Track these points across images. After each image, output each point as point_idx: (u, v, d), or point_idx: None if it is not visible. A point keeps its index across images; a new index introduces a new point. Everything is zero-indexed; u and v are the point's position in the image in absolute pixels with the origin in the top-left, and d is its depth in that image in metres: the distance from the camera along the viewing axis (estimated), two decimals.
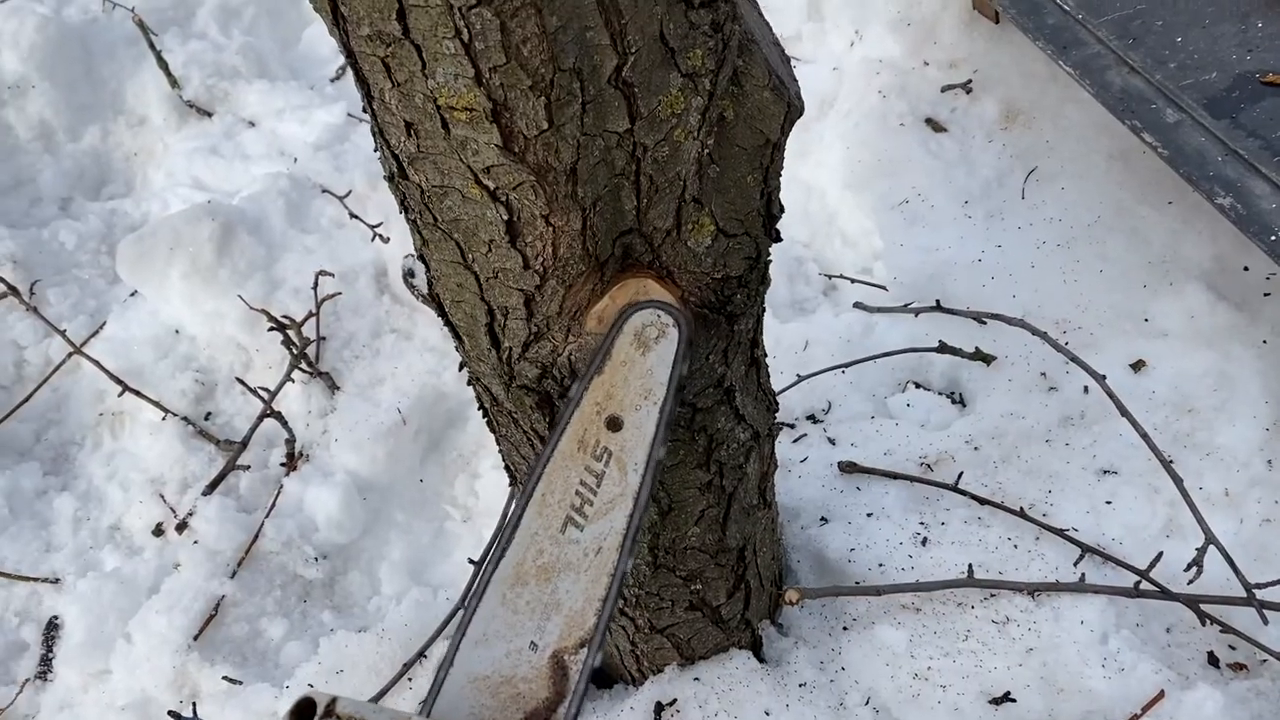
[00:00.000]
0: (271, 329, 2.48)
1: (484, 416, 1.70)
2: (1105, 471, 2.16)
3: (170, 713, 1.89)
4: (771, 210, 1.43)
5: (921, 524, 2.13)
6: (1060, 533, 2.03)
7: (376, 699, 1.92)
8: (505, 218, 1.23)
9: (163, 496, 2.46)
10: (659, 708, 1.85)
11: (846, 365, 2.47)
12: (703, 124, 1.25)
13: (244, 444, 2.48)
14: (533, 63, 1.09)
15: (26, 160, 3.25)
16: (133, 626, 2.18)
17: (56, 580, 2.37)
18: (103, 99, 3.39)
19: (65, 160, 3.28)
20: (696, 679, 1.88)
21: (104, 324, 2.82)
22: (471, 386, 1.64)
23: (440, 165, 1.22)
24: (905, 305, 2.56)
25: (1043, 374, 2.35)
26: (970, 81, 2.88)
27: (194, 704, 2.01)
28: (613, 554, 1.19)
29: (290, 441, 2.46)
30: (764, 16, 1.40)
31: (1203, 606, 1.87)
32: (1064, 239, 2.52)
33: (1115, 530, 2.05)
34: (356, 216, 2.90)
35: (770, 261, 1.51)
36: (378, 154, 1.34)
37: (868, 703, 1.84)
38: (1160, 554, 1.90)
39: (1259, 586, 1.83)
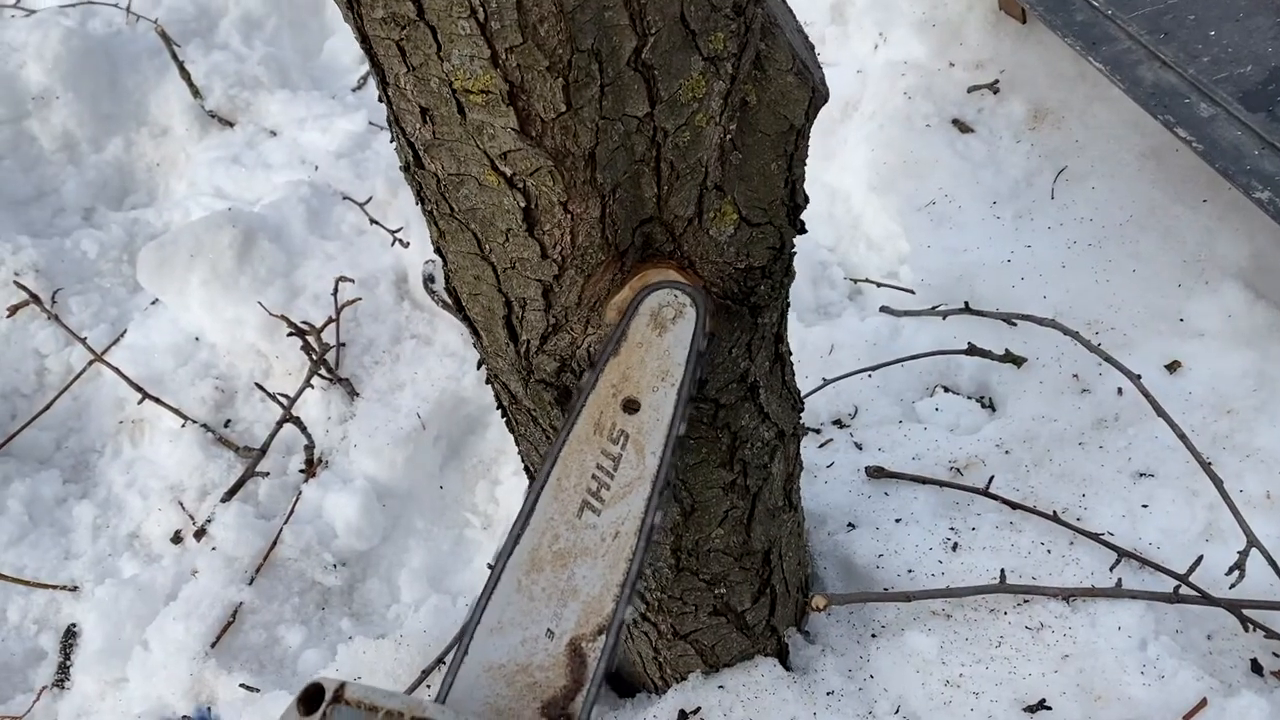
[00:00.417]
0: (290, 334, 2.46)
1: (503, 416, 1.67)
2: (1141, 474, 2.10)
3: (184, 718, 1.86)
4: (796, 199, 1.39)
5: (951, 529, 2.08)
6: (1095, 537, 1.97)
7: None
8: (523, 205, 1.21)
9: (181, 504, 2.44)
10: (682, 716, 1.81)
11: (873, 369, 2.42)
12: (725, 109, 1.22)
13: (263, 450, 2.46)
14: (550, 43, 1.06)
15: (50, 171, 3.26)
16: (150, 634, 2.15)
17: (75, 588, 2.35)
18: (126, 110, 3.40)
19: (89, 170, 3.29)
20: (721, 687, 1.83)
21: (124, 332, 2.81)
22: (490, 385, 1.61)
23: (456, 152, 1.19)
24: (933, 308, 2.51)
25: (1075, 376, 2.30)
26: (997, 82, 2.84)
27: (209, 707, 1.99)
28: (631, 539, 1.16)
29: (309, 448, 2.44)
30: (787, 2, 1.37)
31: (1245, 612, 1.81)
32: (1095, 238, 2.47)
33: (1152, 534, 1.99)
34: (377, 222, 2.88)
35: (795, 253, 1.47)
36: (394, 144, 1.32)
37: (897, 711, 1.79)
38: (1200, 558, 1.84)
39: None
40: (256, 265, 2.71)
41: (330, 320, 2.60)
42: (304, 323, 2.54)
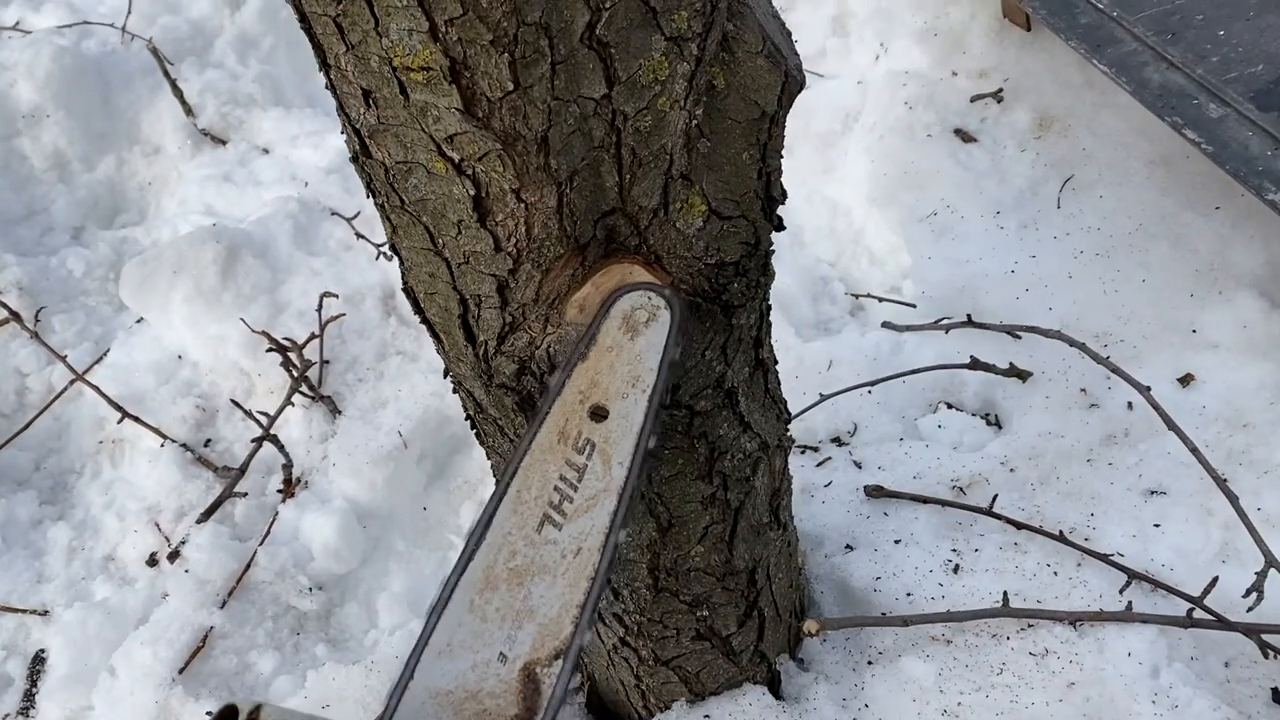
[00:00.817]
0: (270, 350, 2.39)
1: (472, 428, 1.59)
2: (1153, 492, 2.00)
3: None
4: (771, 192, 1.31)
5: (953, 550, 1.99)
6: (1104, 558, 1.87)
7: None
8: (472, 193, 1.13)
9: (158, 525, 2.37)
10: None
11: (872, 383, 2.33)
12: (690, 92, 1.14)
13: (242, 470, 2.38)
14: (493, 15, 0.99)
15: (40, 190, 3.22)
16: (116, 659, 2.07)
17: (45, 612, 2.27)
18: (118, 128, 3.36)
19: (79, 190, 3.25)
20: (706, 716, 1.74)
21: (107, 351, 2.75)
22: (457, 394, 1.54)
23: (402, 137, 1.12)
24: (936, 322, 2.42)
25: (1082, 390, 2.20)
26: (1001, 90, 2.76)
27: None
28: (594, 555, 1.07)
29: (287, 467, 2.36)
30: None
31: (1265, 637, 1.70)
32: (1103, 248, 2.38)
33: (1165, 555, 1.89)
34: (363, 236, 2.82)
35: (773, 251, 1.39)
36: (343, 135, 1.25)
37: None
38: (1215, 579, 1.74)
39: None
40: (240, 281, 2.65)
41: (313, 336, 2.52)
42: (286, 339, 2.47)
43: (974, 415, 2.36)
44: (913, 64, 2.89)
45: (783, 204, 1.35)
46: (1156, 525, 1.94)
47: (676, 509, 1.49)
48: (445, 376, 1.51)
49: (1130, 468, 2.04)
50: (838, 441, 2.37)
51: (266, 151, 3.32)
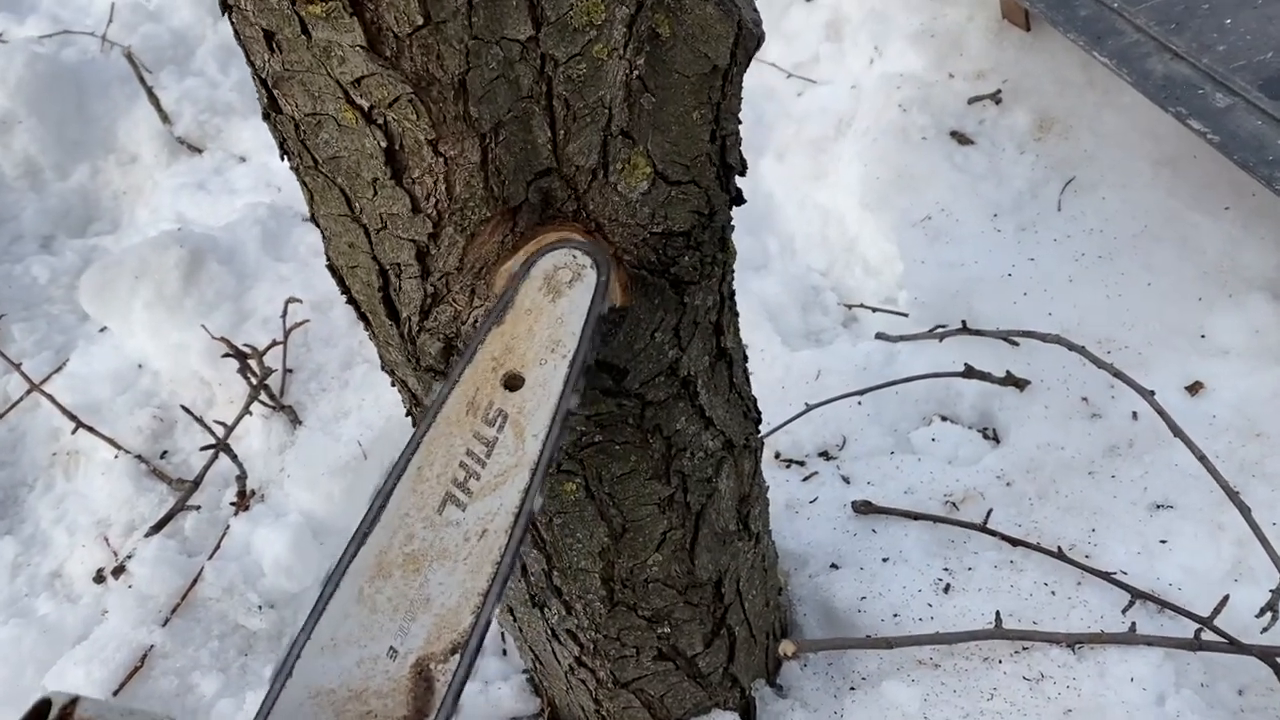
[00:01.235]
0: (226, 355, 2.27)
1: (414, 425, 1.47)
2: (1159, 506, 1.86)
3: None
4: (727, 158, 1.19)
5: (945, 569, 1.86)
6: (1106, 576, 1.73)
7: None
8: (384, 145, 1.02)
9: (107, 540, 2.24)
10: None
11: (862, 393, 2.19)
12: (630, 39, 1.03)
13: (196, 483, 2.26)
14: None
15: (10, 198, 3.13)
16: (49, 679, 1.94)
17: None
18: (94, 136, 3.27)
19: (51, 198, 3.15)
20: None
21: (67, 360, 2.64)
22: (394, 387, 1.42)
23: (309, 85, 1.01)
24: (930, 330, 2.29)
25: (1084, 399, 2.06)
26: (999, 92, 2.64)
27: None
28: (500, 538, 0.94)
29: (241, 478, 2.24)
30: None
31: None
32: (1106, 251, 2.24)
33: (1172, 573, 1.75)
34: None
35: (732, 225, 1.26)
36: (259, 94, 1.14)
37: None
38: (1226, 598, 1.60)
39: None
40: (204, 288, 2.54)
41: (274, 343, 2.41)
42: (247, 345, 2.36)
43: (969, 428, 2.22)
44: (908, 67, 2.78)
45: (742, 175, 1.23)
46: (1163, 541, 1.80)
47: (631, 512, 1.36)
48: (382, 368, 1.39)
49: (1135, 481, 1.90)
50: (825, 455, 2.24)
51: (243, 160, 3.23)
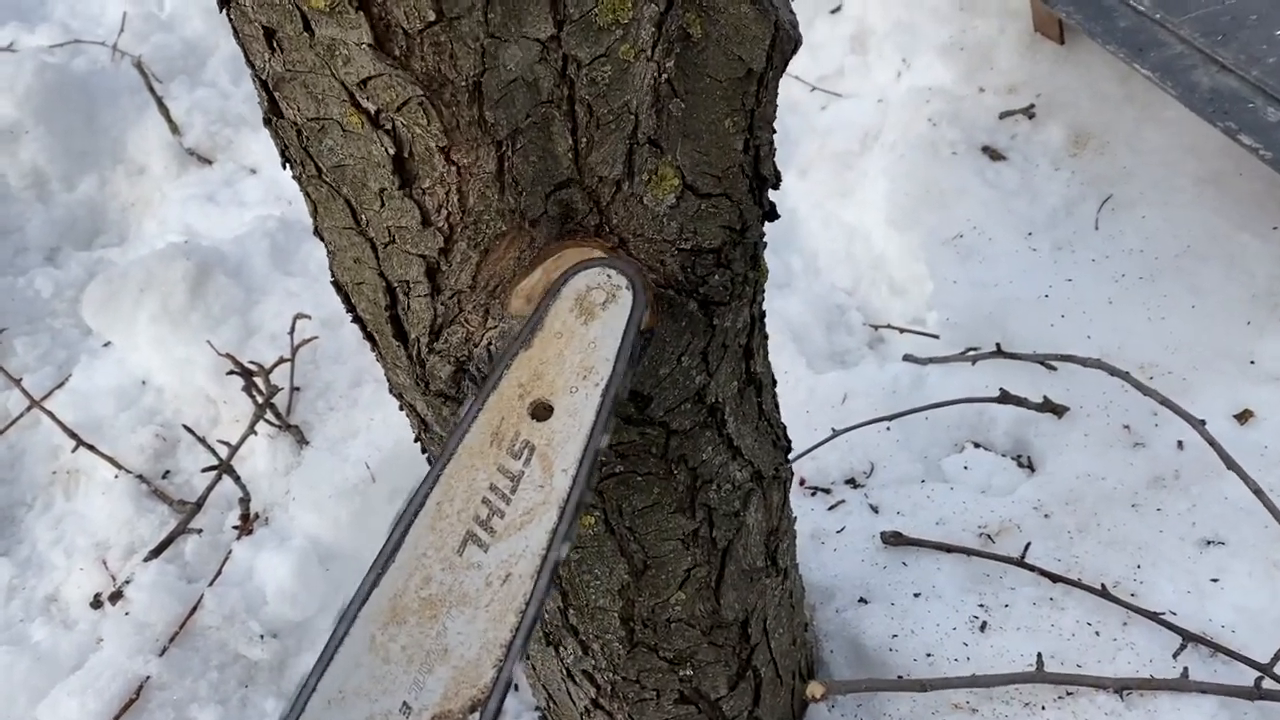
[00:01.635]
0: (232, 372, 2.20)
1: (422, 451, 1.39)
2: (1209, 542, 1.76)
3: None
4: (760, 170, 1.10)
5: (980, 606, 1.76)
6: (1154, 616, 1.63)
7: None
8: (392, 152, 0.94)
9: (105, 563, 2.16)
10: None
11: (891, 418, 2.10)
12: (659, 40, 0.95)
13: (198, 505, 2.18)
14: None
15: (16, 209, 3.07)
16: (41, 710, 1.86)
17: None
18: (102, 147, 3.21)
19: (57, 209, 3.09)
20: None
21: (69, 376, 2.57)
22: (403, 411, 1.33)
23: (312, 87, 0.93)
24: (962, 353, 2.20)
25: (1125, 427, 1.97)
26: (1032, 106, 2.56)
27: None
28: (525, 583, 0.86)
29: (245, 501, 2.16)
30: None
31: None
32: (1147, 271, 2.15)
33: (1225, 614, 1.64)
34: None
35: (764, 242, 1.18)
36: (260, 99, 1.06)
37: None
38: None
39: None
40: (210, 302, 2.46)
41: (281, 360, 2.33)
42: (252, 363, 2.28)
43: (1003, 455, 2.13)
44: (936, 80, 2.70)
45: (775, 187, 1.15)
46: (1214, 580, 1.70)
47: (653, 548, 1.27)
48: (390, 391, 1.31)
49: (1182, 514, 1.80)
50: (852, 483, 2.14)
51: (254, 172, 3.17)
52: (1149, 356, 2.04)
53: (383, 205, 0.99)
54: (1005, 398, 2.05)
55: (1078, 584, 1.72)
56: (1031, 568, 1.77)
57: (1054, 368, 2.06)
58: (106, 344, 2.65)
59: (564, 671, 1.49)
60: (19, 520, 2.37)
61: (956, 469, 2.13)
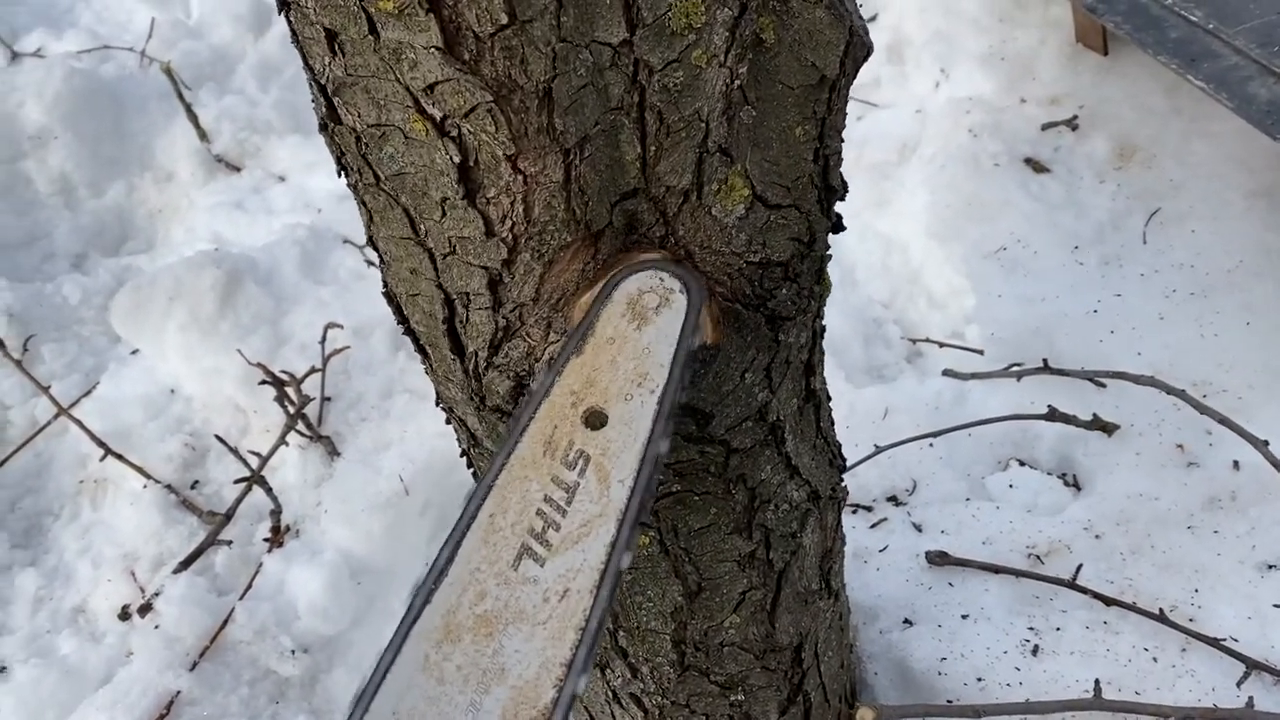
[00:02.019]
0: (263, 382, 2.17)
1: (468, 466, 1.35)
2: (1270, 566, 1.71)
3: None
4: (829, 180, 1.07)
5: (1030, 629, 1.72)
6: (1215, 642, 1.58)
7: None
8: (457, 160, 0.90)
9: (134, 574, 2.13)
10: None
11: (934, 435, 2.06)
12: (732, 45, 0.91)
13: (228, 516, 2.15)
14: None
15: (44, 215, 3.05)
16: None
17: (3, 669, 2.04)
18: (130, 153, 3.20)
19: (84, 216, 3.07)
20: None
21: (97, 384, 2.55)
22: (450, 424, 1.30)
23: (374, 92, 0.90)
24: (1006, 368, 2.15)
25: (1179, 446, 1.92)
26: (1076, 118, 2.52)
27: None
28: (584, 598, 0.82)
29: (275, 513, 2.12)
30: None
31: None
32: (1199, 287, 2.10)
33: None
34: (374, 264, 2.61)
35: (829, 255, 1.14)
36: (313, 102, 1.03)
37: None
38: None
39: None
40: (240, 310, 2.44)
41: (313, 370, 2.30)
42: (284, 372, 2.25)
43: (1049, 474, 2.08)
44: (976, 90, 2.66)
45: (842, 198, 1.11)
46: (1277, 606, 1.65)
47: (708, 569, 1.23)
48: (437, 404, 1.27)
49: (1240, 537, 1.75)
50: (894, 501, 2.10)
51: (282, 179, 3.14)
52: (1202, 374, 1.99)
53: (444, 215, 0.95)
54: (1054, 415, 2.01)
55: (1133, 607, 1.68)
56: (1084, 590, 1.73)
57: (1104, 384, 2.02)
58: (135, 352, 2.62)
59: (610, 694, 1.44)
60: (46, 529, 2.34)
61: (1001, 487, 2.08)
